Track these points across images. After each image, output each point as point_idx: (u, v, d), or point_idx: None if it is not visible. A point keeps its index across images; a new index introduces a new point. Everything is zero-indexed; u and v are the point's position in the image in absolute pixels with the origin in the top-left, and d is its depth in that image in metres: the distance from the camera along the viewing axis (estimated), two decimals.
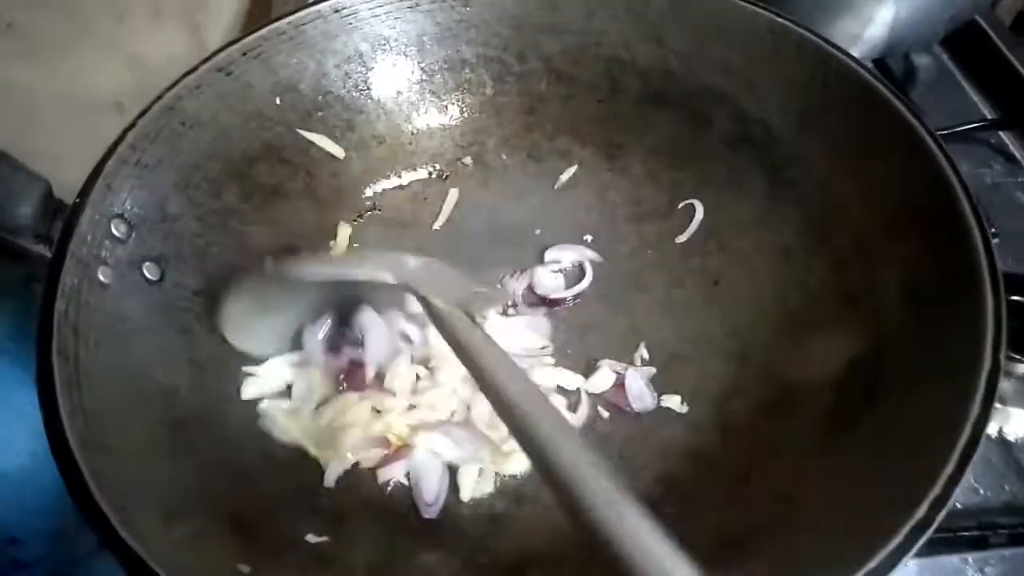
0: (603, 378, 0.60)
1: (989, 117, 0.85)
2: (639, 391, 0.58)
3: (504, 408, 0.41)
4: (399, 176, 0.71)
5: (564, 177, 0.71)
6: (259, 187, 0.64)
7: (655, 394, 0.59)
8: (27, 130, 1.04)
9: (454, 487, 0.55)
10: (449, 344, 0.46)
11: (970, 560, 0.53)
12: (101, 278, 0.51)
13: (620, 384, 0.59)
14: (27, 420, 0.62)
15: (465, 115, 0.72)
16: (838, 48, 0.59)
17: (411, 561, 0.50)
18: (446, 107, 0.72)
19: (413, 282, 0.49)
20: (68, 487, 0.40)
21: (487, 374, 0.42)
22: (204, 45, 1.11)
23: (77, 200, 0.51)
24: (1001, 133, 0.83)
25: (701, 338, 0.61)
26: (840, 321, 0.55)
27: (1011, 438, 0.60)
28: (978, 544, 0.54)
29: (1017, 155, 0.82)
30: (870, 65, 0.82)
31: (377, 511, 0.53)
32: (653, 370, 0.60)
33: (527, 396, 0.40)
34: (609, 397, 0.59)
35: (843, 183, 0.59)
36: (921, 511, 0.38)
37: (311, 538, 0.49)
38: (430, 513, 0.53)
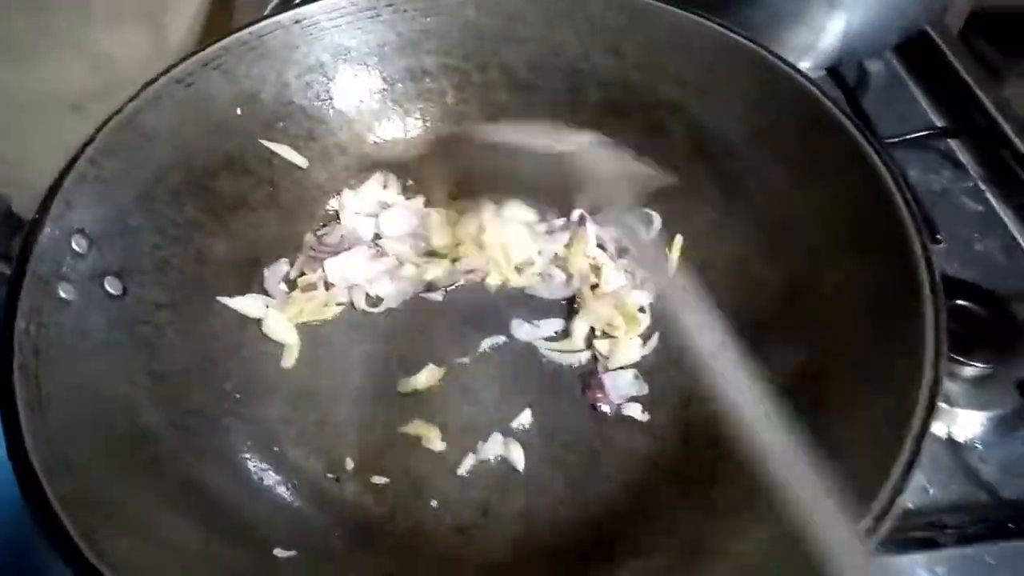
0: None
1: (938, 124, 0.88)
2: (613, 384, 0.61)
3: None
4: (361, 185, 0.71)
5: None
6: (221, 198, 0.64)
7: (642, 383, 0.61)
8: None
9: None
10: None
11: (920, 560, 0.55)
12: (62, 294, 0.50)
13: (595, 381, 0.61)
14: None
15: (427, 124, 0.73)
16: (789, 64, 0.61)
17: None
18: (408, 116, 0.72)
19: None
20: (33, 514, 0.40)
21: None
22: (168, 46, 1.10)
23: (36, 216, 0.51)
24: (950, 142, 0.86)
25: (658, 347, 0.63)
26: (791, 333, 0.57)
27: (960, 439, 0.63)
28: (927, 544, 0.56)
29: (964, 162, 0.85)
30: (823, 75, 0.85)
31: (347, 525, 0.54)
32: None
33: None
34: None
35: (795, 197, 0.61)
36: (866, 522, 0.39)
37: (279, 553, 0.49)
38: None
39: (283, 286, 0.66)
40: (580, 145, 0.52)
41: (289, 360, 0.62)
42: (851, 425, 0.47)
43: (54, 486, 0.41)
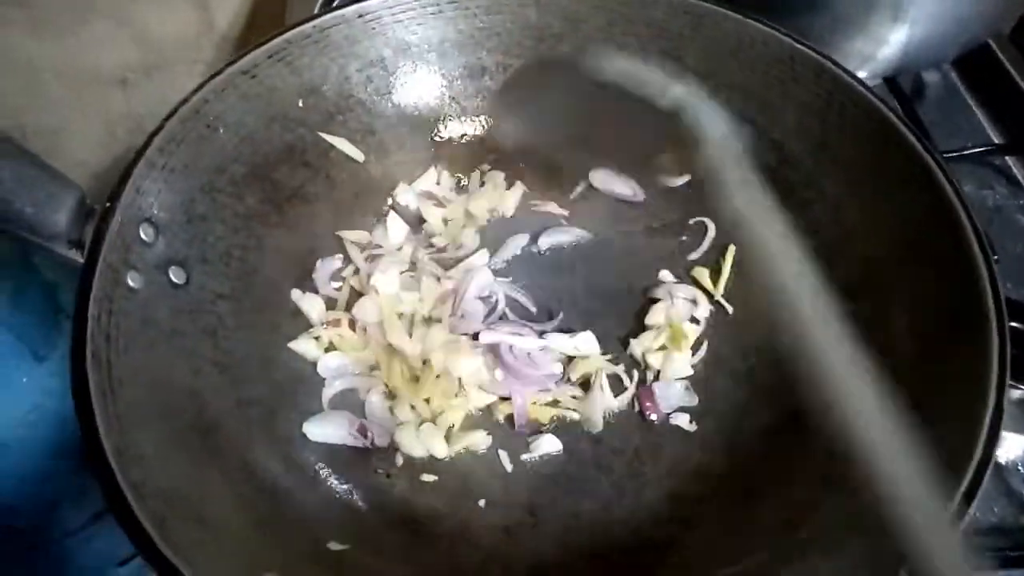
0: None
1: (994, 139, 0.86)
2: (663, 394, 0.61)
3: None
4: (418, 182, 0.71)
5: (580, 188, 0.72)
6: (281, 189, 0.65)
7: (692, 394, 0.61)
8: (30, 103, 1.04)
9: None
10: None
11: None
12: (130, 283, 0.51)
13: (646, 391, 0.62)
14: (24, 392, 0.64)
15: (483, 122, 0.73)
16: (855, 77, 0.60)
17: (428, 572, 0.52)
18: (466, 114, 0.73)
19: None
20: (107, 500, 0.41)
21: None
22: (212, 24, 1.11)
23: (107, 204, 0.52)
24: (1007, 159, 0.84)
25: (711, 357, 0.63)
26: None
27: (1003, 461, 0.62)
28: None
29: (1020, 178, 0.83)
30: (879, 84, 0.84)
31: (397, 521, 0.55)
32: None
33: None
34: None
35: (855, 209, 0.60)
36: None
37: (333, 546, 0.50)
38: None
39: (332, 284, 0.66)
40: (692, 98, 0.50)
41: None
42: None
43: (125, 472, 0.43)
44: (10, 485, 0.65)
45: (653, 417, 0.60)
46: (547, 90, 0.59)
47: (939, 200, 0.53)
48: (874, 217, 0.59)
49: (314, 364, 0.62)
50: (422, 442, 0.58)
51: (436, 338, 0.61)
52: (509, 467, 0.58)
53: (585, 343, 0.63)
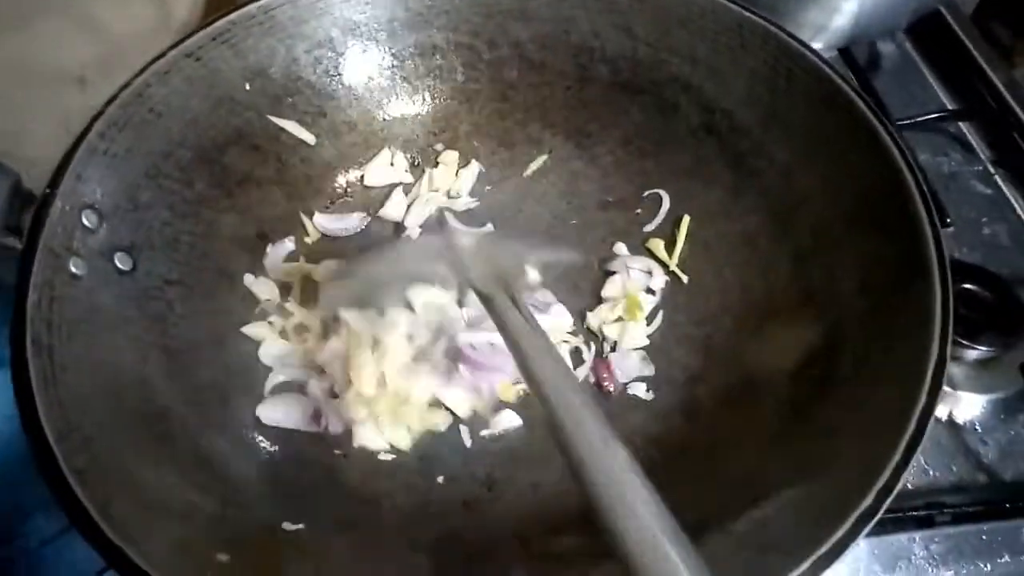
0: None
1: (949, 106, 0.87)
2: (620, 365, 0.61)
3: (536, 388, 0.40)
4: (370, 163, 0.71)
5: (535, 165, 0.72)
6: (230, 174, 0.64)
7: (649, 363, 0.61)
8: None
9: None
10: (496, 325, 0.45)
11: (917, 538, 0.56)
12: (73, 269, 0.51)
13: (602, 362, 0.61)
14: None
15: (436, 102, 0.73)
16: (802, 43, 0.60)
17: (384, 551, 0.51)
18: (417, 93, 0.72)
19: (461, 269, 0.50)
20: (48, 484, 0.41)
21: (526, 359, 0.42)
22: (170, 18, 1.09)
23: (47, 191, 0.51)
24: (960, 124, 0.85)
25: (666, 327, 0.63)
26: (799, 312, 0.57)
27: (960, 421, 0.63)
28: (925, 523, 0.56)
29: (974, 145, 0.84)
30: (834, 55, 0.84)
31: (355, 500, 0.55)
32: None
33: (559, 380, 0.40)
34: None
35: (805, 175, 0.61)
36: (868, 500, 0.40)
37: (287, 526, 0.50)
38: None
39: (282, 267, 0.65)
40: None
41: None
42: (858, 404, 0.48)
43: (68, 459, 0.42)
44: None
45: (611, 388, 0.60)
46: None
47: (886, 163, 0.54)
48: (824, 183, 0.59)
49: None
50: (383, 437, 0.57)
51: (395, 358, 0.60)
52: (469, 443, 0.58)
53: (560, 317, 0.63)
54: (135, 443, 0.48)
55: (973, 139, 0.85)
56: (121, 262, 0.55)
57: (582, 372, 0.61)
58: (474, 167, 0.72)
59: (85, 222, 0.53)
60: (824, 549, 0.39)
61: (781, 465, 0.49)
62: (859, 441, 0.45)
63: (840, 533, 0.40)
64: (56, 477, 0.41)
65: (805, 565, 0.39)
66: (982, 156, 0.83)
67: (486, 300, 0.47)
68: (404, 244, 0.66)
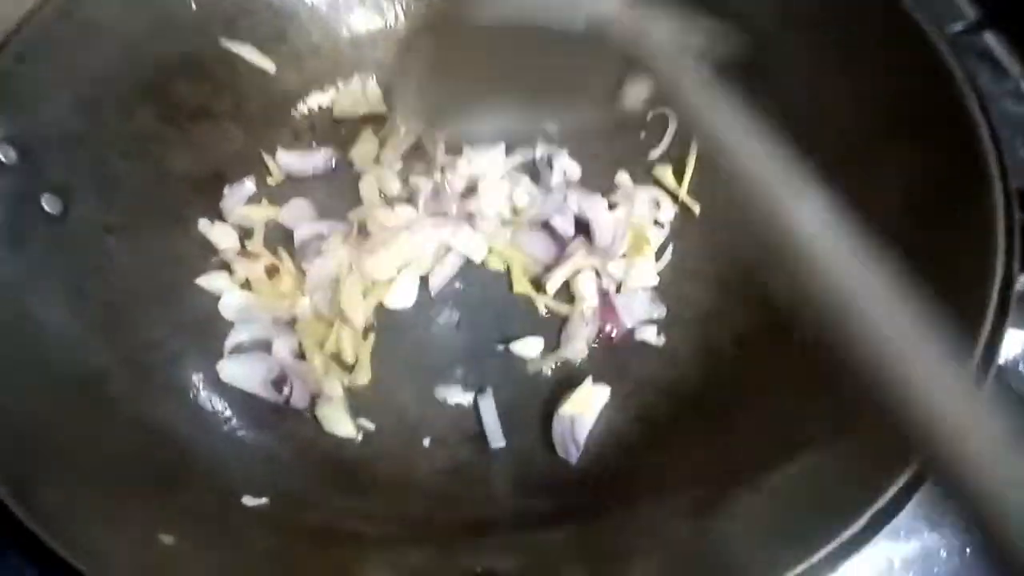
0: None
1: (973, 16, 0.79)
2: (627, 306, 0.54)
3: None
4: (338, 90, 0.63)
5: None
6: (180, 107, 0.57)
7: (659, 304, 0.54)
8: None
9: None
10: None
11: None
12: None
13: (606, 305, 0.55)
14: None
15: (410, 12, 0.64)
16: None
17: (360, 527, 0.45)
18: (390, 10, 0.64)
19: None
20: None
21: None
22: None
23: None
24: (986, 36, 0.77)
25: (677, 263, 0.56)
26: None
27: (1001, 361, 0.56)
28: None
29: (1003, 61, 0.76)
30: None
31: (327, 469, 0.48)
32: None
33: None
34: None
35: (832, 82, 0.53)
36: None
37: (248, 500, 0.43)
38: None
39: (242, 210, 0.58)
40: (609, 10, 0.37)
41: None
42: None
43: None
44: None
45: (615, 332, 0.53)
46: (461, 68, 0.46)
47: (928, 59, 0.46)
48: (855, 88, 0.52)
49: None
50: (351, 421, 0.50)
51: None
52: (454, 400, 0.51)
53: None
54: (62, 411, 0.41)
55: (1001, 55, 0.77)
56: (49, 205, 0.48)
57: (587, 312, 0.54)
58: None
59: (1, 158, 0.45)
60: (880, 504, 0.33)
61: (819, 413, 0.42)
62: None
63: (894, 489, 0.33)
64: None
65: (858, 524, 0.33)
66: (1013, 72, 0.75)
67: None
68: None
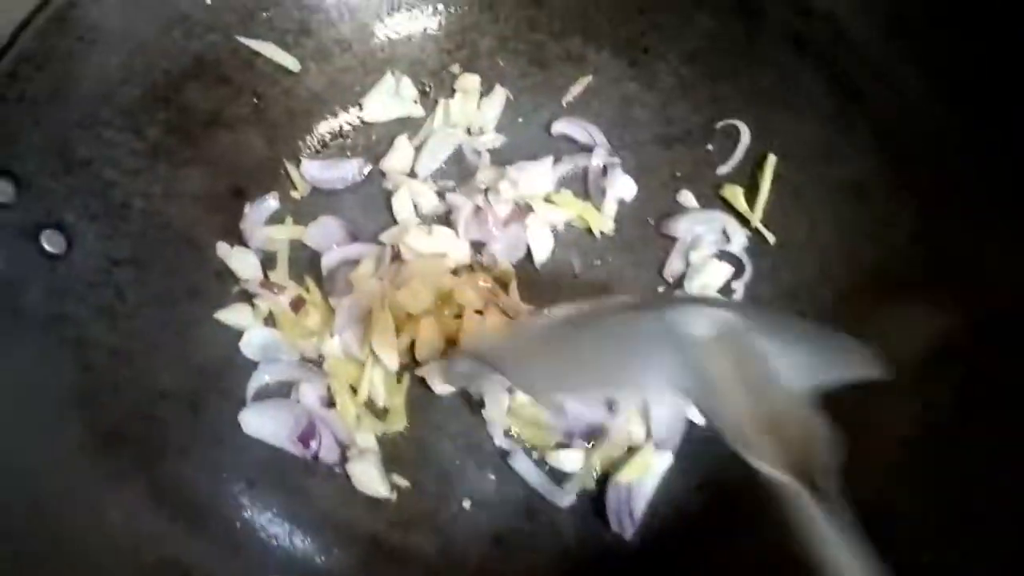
0: None
1: None
2: None
3: None
4: (369, 93, 0.56)
5: (576, 88, 0.57)
6: (192, 115, 0.51)
7: None
8: None
9: None
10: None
11: None
12: None
13: None
14: None
15: (451, 10, 0.57)
16: None
17: None
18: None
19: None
20: None
21: None
22: None
23: None
24: None
25: (748, 300, 0.50)
26: (929, 289, 0.44)
27: None
28: None
29: None
30: None
31: (359, 540, 0.44)
32: None
33: None
34: None
35: (941, 105, 0.46)
36: None
37: None
38: None
39: (264, 231, 0.52)
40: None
41: None
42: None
43: None
44: None
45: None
46: None
47: None
48: (965, 119, 0.45)
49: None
50: (385, 479, 0.46)
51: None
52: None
53: None
54: (74, 493, 0.37)
55: None
56: (50, 243, 0.43)
57: None
58: (499, 94, 0.57)
59: None
60: None
61: (911, 503, 0.37)
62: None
63: None
64: None
65: None
66: None
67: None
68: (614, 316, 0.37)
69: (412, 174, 0.55)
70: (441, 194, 0.54)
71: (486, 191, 0.52)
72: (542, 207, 0.52)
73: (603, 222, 0.53)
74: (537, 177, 0.53)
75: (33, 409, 0.39)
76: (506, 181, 0.52)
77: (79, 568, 0.36)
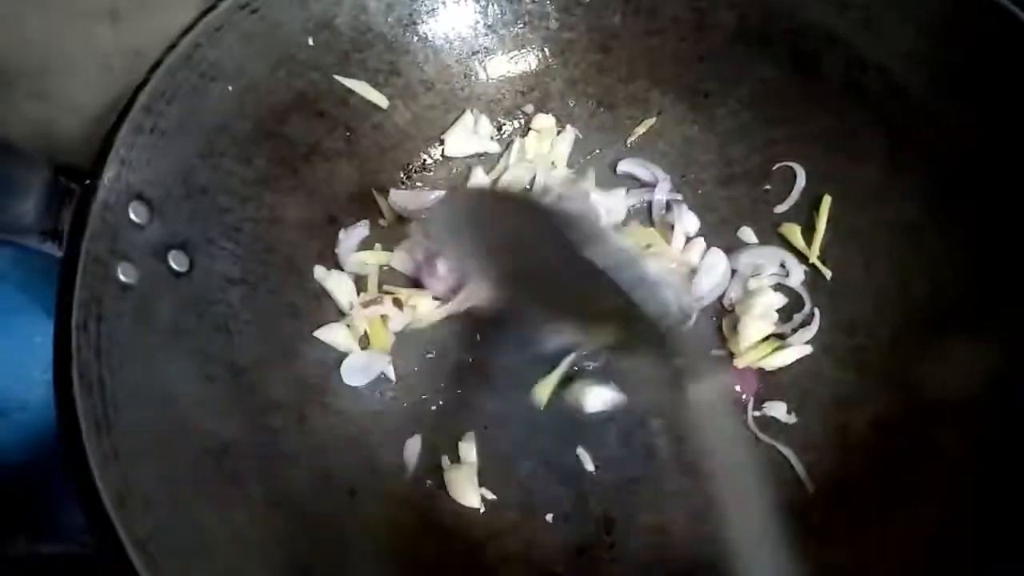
0: None
1: None
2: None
3: None
4: (450, 129, 0.61)
5: (640, 129, 0.61)
6: (294, 147, 0.55)
7: None
8: (8, 41, 0.93)
9: None
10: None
11: None
12: (122, 277, 0.42)
13: None
14: (40, 350, 0.56)
15: (525, 55, 0.62)
16: None
17: None
18: (504, 45, 0.61)
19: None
20: (103, 560, 0.34)
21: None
22: None
23: (87, 182, 0.43)
24: None
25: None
26: (977, 323, 0.48)
27: None
28: None
29: None
30: None
31: (452, 548, 0.48)
32: None
33: None
34: None
35: (983, 151, 0.50)
36: None
37: None
38: None
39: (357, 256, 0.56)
40: None
41: None
42: None
43: (130, 528, 0.35)
44: (29, 444, 0.59)
45: (744, 395, 0.51)
46: None
47: None
48: (1010, 162, 0.48)
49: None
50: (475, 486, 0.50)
51: None
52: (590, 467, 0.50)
53: None
54: (205, 494, 0.41)
55: None
56: (176, 262, 0.47)
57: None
58: (570, 133, 0.61)
59: (133, 217, 0.44)
60: None
61: (973, 534, 0.40)
62: None
63: None
64: (116, 554, 0.34)
65: None
66: None
67: None
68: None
69: None
70: None
71: None
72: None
73: (671, 253, 0.57)
74: (613, 205, 0.57)
75: (164, 418, 0.42)
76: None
77: (219, 563, 0.39)
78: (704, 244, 0.57)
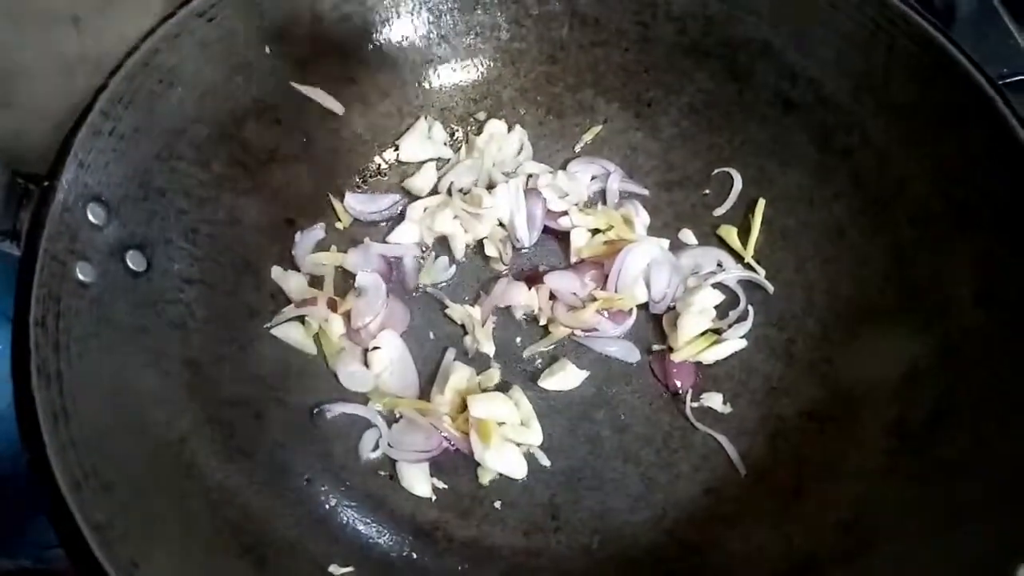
0: None
1: None
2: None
3: None
4: (405, 135, 0.63)
5: (587, 137, 0.64)
6: (251, 152, 0.57)
7: None
8: None
9: None
10: None
11: None
12: (80, 276, 0.44)
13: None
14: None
15: (478, 64, 0.64)
16: (909, 4, 0.52)
17: None
18: (456, 55, 0.64)
19: None
20: (65, 548, 0.35)
21: None
22: None
23: (46, 184, 0.44)
24: None
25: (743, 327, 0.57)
26: (899, 318, 0.51)
27: None
28: None
29: None
30: None
31: (405, 534, 0.49)
32: None
33: None
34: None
35: (907, 157, 0.53)
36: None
37: (335, 570, 0.45)
38: None
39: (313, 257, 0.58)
40: None
41: None
42: (988, 440, 0.42)
43: (87, 512, 0.36)
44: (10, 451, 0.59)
45: (678, 383, 0.54)
46: None
47: (1013, 147, 0.46)
48: (930, 167, 0.52)
49: (304, 354, 0.55)
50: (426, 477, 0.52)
51: None
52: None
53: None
54: (160, 482, 0.42)
55: None
56: (133, 262, 0.48)
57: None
58: (518, 133, 0.64)
59: (91, 217, 0.46)
60: None
61: (892, 506, 0.43)
62: (996, 490, 0.39)
63: None
64: (73, 538, 0.35)
65: None
66: None
67: None
68: None
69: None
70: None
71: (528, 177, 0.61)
72: (577, 214, 0.59)
73: (632, 236, 0.58)
74: (574, 188, 0.60)
75: (121, 411, 0.44)
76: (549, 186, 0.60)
77: (174, 548, 0.40)
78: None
